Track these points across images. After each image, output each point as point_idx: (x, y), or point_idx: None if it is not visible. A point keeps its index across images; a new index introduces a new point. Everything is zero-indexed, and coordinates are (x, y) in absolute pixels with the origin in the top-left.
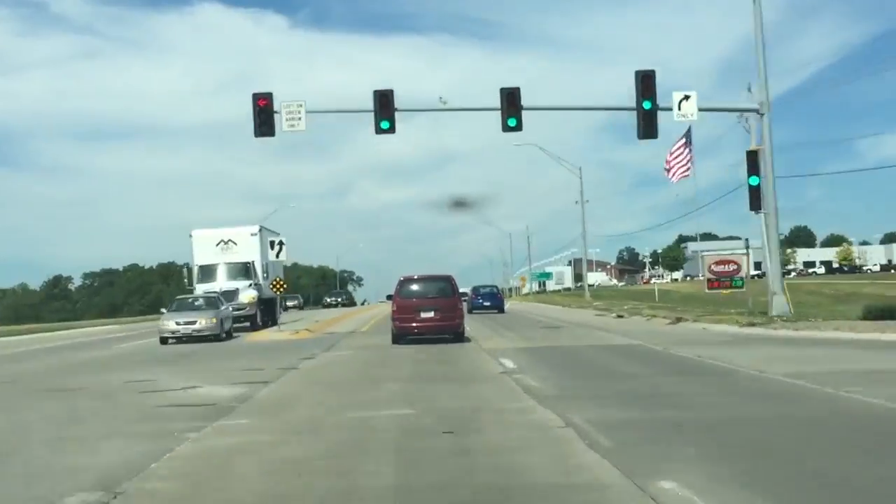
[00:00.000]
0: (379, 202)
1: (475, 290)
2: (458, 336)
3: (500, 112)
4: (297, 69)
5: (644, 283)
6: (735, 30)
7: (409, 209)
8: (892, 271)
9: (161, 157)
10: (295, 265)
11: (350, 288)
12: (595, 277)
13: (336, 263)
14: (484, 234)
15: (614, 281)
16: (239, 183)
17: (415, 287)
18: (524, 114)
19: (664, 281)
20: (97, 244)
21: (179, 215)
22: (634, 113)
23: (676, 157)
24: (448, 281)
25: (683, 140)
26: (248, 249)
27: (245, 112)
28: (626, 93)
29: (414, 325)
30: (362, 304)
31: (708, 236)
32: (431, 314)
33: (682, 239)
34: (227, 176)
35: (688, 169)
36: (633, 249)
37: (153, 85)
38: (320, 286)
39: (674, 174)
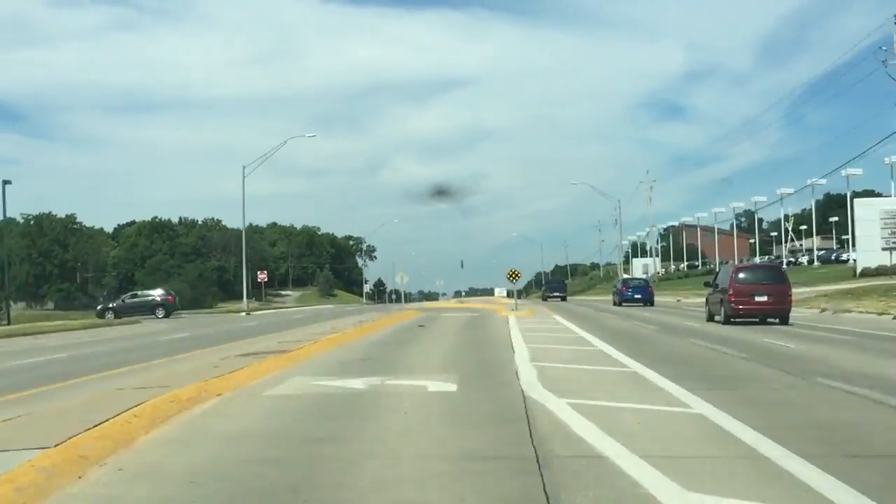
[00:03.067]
0: (412, 177)
1: (625, 282)
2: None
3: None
4: (331, 43)
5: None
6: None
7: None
8: None
9: (193, 130)
10: (252, 226)
11: (360, 262)
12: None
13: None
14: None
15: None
16: (274, 158)
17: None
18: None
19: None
20: (127, 216)
21: (212, 189)
22: None
23: None
24: (781, 272)
25: None
26: None
27: (280, 85)
28: (666, 71)
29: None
30: (393, 299)
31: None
32: (766, 298)
33: (831, 200)
34: (259, 150)
35: None
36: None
37: (187, 57)
38: (306, 256)
39: None
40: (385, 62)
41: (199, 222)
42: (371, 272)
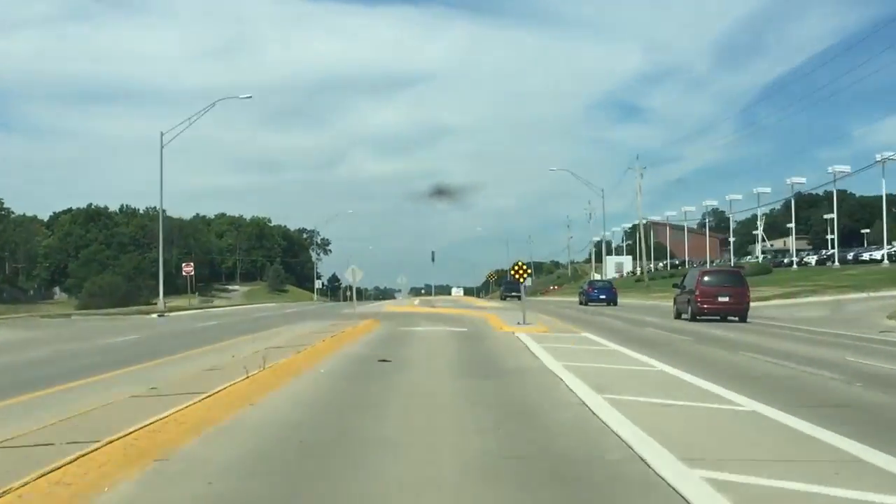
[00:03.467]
0: (369, 174)
1: (591, 283)
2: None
3: None
4: (289, 37)
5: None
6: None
7: (401, 182)
8: None
9: (147, 122)
10: (199, 217)
11: (313, 256)
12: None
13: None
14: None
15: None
16: (228, 151)
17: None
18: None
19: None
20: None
21: (167, 183)
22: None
23: None
24: (740, 277)
25: None
26: None
27: (236, 78)
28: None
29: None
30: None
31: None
32: (727, 299)
33: (801, 200)
34: (215, 143)
35: None
36: (723, 212)
37: (143, 49)
38: (255, 249)
39: None
40: (344, 57)
41: (141, 211)
42: (326, 267)
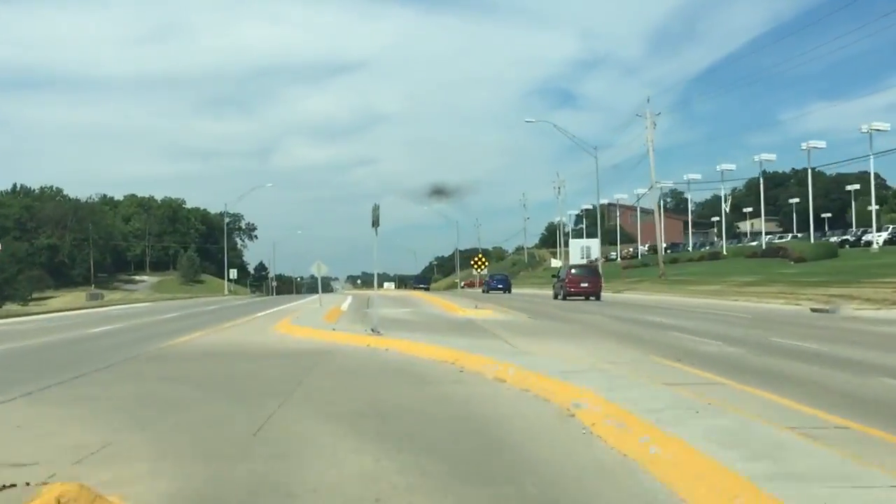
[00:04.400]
0: (304, 162)
1: (491, 275)
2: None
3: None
4: (223, 22)
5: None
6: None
7: (336, 170)
8: None
9: (79, 109)
10: (105, 198)
11: (238, 242)
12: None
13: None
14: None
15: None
16: (160, 139)
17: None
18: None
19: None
20: None
21: (98, 171)
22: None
23: None
24: (595, 270)
25: None
26: None
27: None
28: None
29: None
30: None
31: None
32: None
33: (766, 178)
34: (147, 131)
35: None
36: (682, 193)
37: (73, 34)
38: (168, 234)
39: None
40: (277, 43)
41: (35, 191)
42: (252, 255)
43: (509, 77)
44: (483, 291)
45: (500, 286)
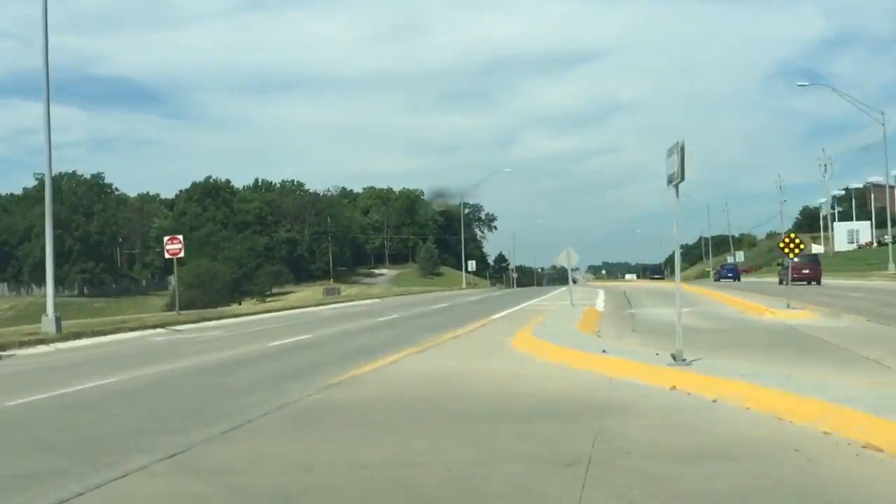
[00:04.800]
0: (542, 153)
1: (722, 265)
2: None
3: None
4: (460, 17)
5: None
6: None
7: (574, 160)
8: None
9: (322, 109)
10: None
11: (477, 233)
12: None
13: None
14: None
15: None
16: (401, 134)
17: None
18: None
19: None
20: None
21: (338, 167)
22: None
23: None
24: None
25: None
26: None
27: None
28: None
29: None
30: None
31: None
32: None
33: None
34: (388, 127)
35: None
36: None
37: (315, 36)
38: (406, 226)
39: None
40: (513, 35)
41: (277, 186)
42: (491, 246)
43: (750, 59)
44: (714, 280)
45: (729, 275)
